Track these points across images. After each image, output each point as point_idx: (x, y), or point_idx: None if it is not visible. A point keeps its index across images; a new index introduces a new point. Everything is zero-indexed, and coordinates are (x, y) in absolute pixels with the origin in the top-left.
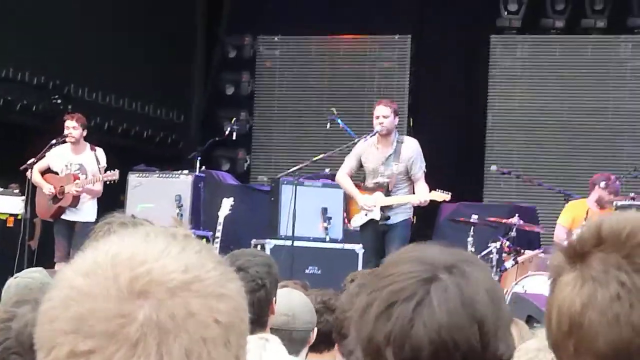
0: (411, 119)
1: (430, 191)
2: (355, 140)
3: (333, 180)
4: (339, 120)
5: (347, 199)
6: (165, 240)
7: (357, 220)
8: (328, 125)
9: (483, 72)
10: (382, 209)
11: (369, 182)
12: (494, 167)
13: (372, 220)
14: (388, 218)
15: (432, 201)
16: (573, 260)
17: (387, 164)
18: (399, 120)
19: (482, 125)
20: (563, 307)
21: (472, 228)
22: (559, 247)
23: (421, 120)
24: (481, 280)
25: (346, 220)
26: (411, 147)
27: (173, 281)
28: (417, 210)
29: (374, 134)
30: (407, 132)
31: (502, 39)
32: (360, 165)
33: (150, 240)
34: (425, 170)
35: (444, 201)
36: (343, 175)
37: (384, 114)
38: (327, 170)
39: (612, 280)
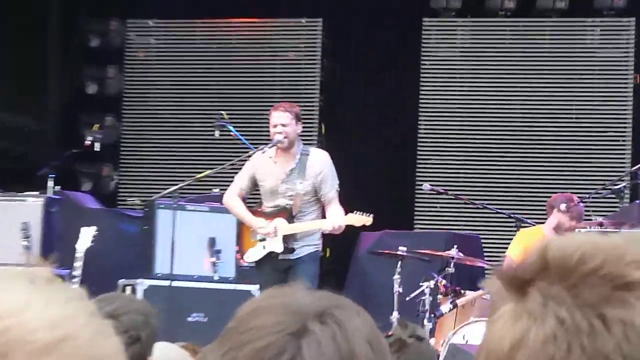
0: (322, 125)
1: (346, 214)
2: (251, 152)
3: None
4: (231, 127)
5: (240, 227)
6: (24, 288)
7: (253, 254)
8: (217, 134)
9: (414, 66)
10: (285, 239)
11: (267, 206)
12: (427, 186)
13: (271, 254)
14: (292, 250)
15: (349, 227)
16: (511, 290)
17: (290, 181)
18: (305, 127)
19: (413, 133)
20: (490, 346)
21: (400, 262)
22: (497, 274)
23: (335, 127)
24: (359, 329)
25: (238, 255)
26: (320, 161)
27: (38, 341)
28: (330, 240)
29: (273, 145)
30: (317, 141)
31: (438, 24)
32: (256, 185)
33: (5, 289)
34: (338, 189)
35: (364, 226)
36: (232, 197)
37: (282, 122)
38: (215, 190)
39: (550, 315)
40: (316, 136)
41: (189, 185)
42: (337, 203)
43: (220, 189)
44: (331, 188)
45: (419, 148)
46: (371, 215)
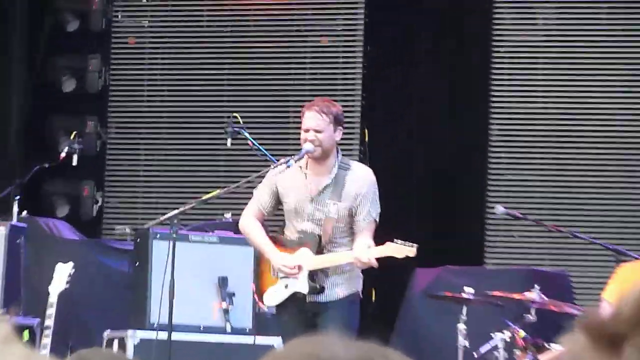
0: (365, 131)
1: (385, 243)
2: (273, 167)
3: (237, 232)
4: (247, 133)
5: (258, 261)
6: None
7: (273, 297)
8: (229, 142)
9: (483, 53)
10: (311, 275)
11: (291, 232)
12: (500, 209)
13: (295, 296)
14: (321, 290)
15: (394, 261)
16: (601, 346)
17: (321, 201)
18: (344, 133)
19: (482, 141)
20: None
21: (465, 308)
22: (581, 327)
23: (381, 132)
24: None
25: (256, 296)
26: (361, 178)
27: None
28: (376, 278)
29: (302, 156)
30: (358, 151)
31: (512, 3)
32: (280, 202)
33: None
34: (377, 219)
35: (406, 258)
36: (249, 220)
37: (316, 126)
38: (227, 215)
39: None
40: (356, 145)
41: (193, 208)
42: (370, 235)
43: (233, 214)
44: (367, 215)
45: (490, 160)
46: (415, 245)
